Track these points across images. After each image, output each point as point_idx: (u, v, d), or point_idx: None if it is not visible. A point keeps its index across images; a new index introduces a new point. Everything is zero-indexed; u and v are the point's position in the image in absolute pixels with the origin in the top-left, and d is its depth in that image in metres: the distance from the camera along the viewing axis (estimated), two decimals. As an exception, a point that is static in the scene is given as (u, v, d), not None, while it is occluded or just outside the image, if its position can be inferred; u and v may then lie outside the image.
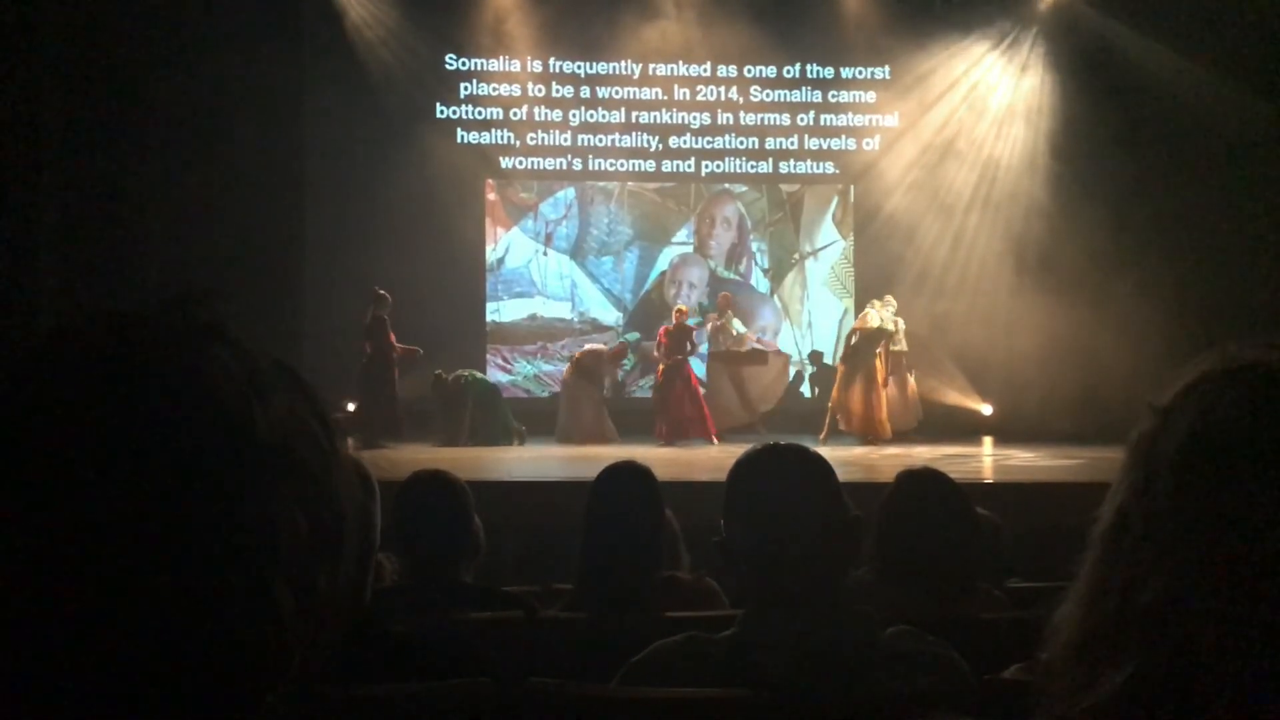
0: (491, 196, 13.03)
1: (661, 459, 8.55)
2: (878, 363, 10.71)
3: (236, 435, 0.60)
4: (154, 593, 0.57)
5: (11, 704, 0.56)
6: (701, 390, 10.97)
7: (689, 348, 10.85)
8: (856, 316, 11.89)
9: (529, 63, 12.83)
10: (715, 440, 10.63)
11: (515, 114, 12.88)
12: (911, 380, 11.34)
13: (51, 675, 0.57)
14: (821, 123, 13.12)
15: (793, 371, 12.59)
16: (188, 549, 0.58)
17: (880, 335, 10.78)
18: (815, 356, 12.89)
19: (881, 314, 11.05)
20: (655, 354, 11.06)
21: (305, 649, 0.63)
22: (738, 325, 11.64)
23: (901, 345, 11.29)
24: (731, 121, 13.06)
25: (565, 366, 11.57)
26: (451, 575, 2.68)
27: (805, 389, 12.99)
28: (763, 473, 1.79)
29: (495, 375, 12.25)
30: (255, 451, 0.60)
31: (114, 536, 0.57)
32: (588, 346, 11.37)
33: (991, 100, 12.80)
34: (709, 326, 11.64)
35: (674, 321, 10.95)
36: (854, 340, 10.85)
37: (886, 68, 12.91)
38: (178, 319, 0.63)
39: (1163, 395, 0.73)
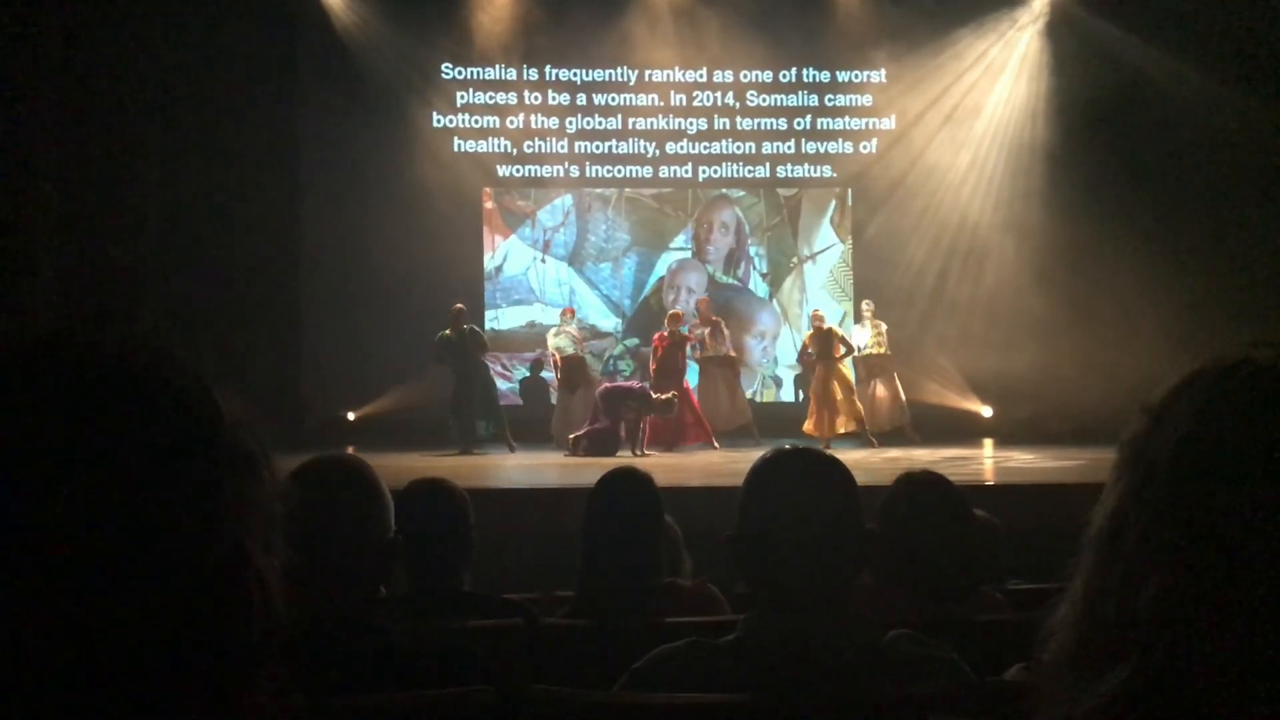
0: (489, 205, 13.04)
1: (661, 465, 8.54)
2: (830, 369, 10.75)
3: (205, 424, 0.65)
4: (145, 571, 0.61)
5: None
6: (695, 397, 10.98)
7: (681, 363, 10.80)
8: (856, 320, 11.91)
9: (525, 71, 12.85)
10: (715, 445, 10.63)
11: (512, 122, 12.90)
12: (896, 381, 11.38)
13: (39, 663, 0.59)
14: (818, 126, 13.14)
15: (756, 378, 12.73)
16: (171, 531, 0.61)
17: (831, 338, 10.83)
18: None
19: (873, 322, 11.25)
20: (651, 363, 10.96)
21: (273, 636, 0.66)
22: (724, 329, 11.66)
23: (884, 349, 11.34)
24: (728, 126, 13.07)
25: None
26: (452, 583, 2.68)
27: (789, 393, 12.98)
28: (786, 474, 1.79)
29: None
30: (223, 437, 0.65)
31: (104, 524, 0.60)
32: (573, 351, 11.34)
33: (987, 102, 12.82)
34: (696, 333, 11.50)
35: (667, 328, 10.90)
36: (812, 346, 10.91)
37: (882, 71, 12.93)
38: (119, 332, 0.67)
39: (1153, 396, 0.73)
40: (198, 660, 0.62)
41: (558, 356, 11.23)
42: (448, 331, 10.64)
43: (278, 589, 0.67)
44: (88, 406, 0.62)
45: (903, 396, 11.36)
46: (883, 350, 11.36)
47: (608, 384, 10.69)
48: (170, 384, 0.65)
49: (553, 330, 11.50)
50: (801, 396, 12.28)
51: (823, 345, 10.81)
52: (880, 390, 11.26)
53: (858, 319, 11.70)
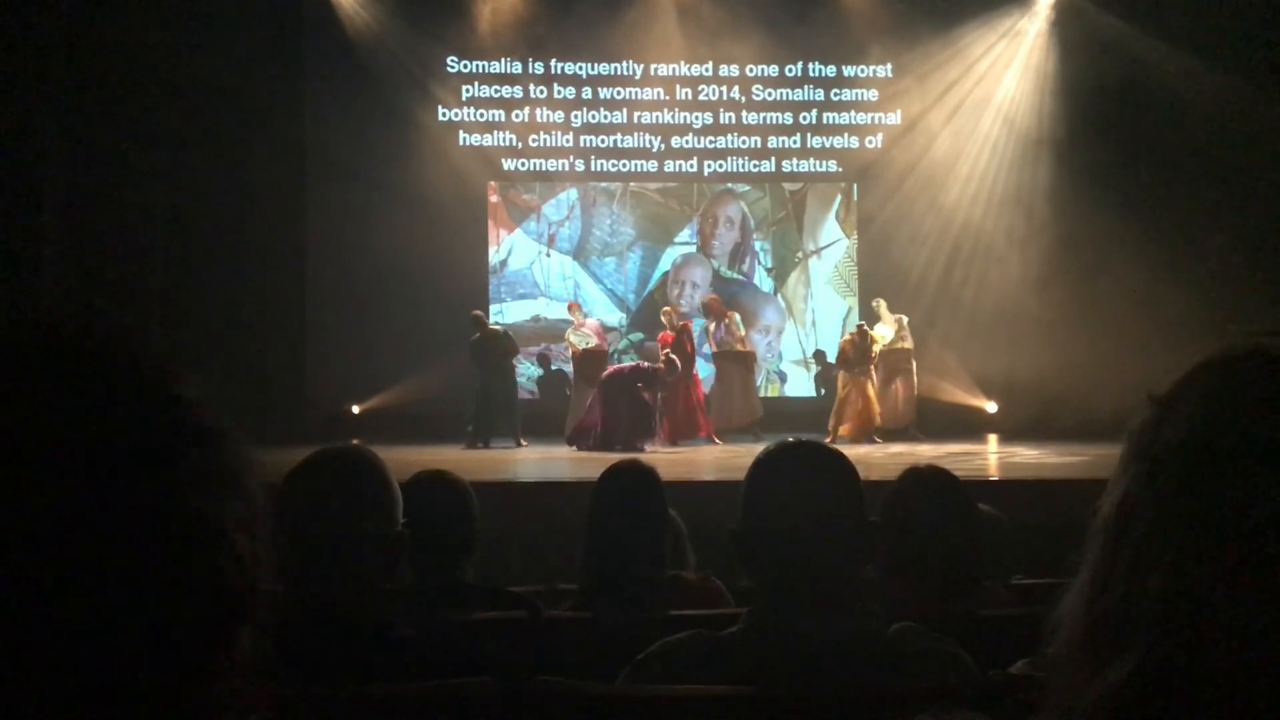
0: (494, 199, 13.04)
1: (664, 459, 8.54)
2: (871, 367, 10.76)
3: (160, 400, 0.68)
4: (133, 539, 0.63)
5: None
6: (704, 391, 10.97)
7: (689, 351, 10.82)
8: (860, 317, 11.89)
9: (530, 64, 12.84)
10: (716, 440, 10.62)
11: (517, 116, 12.89)
12: (914, 378, 11.35)
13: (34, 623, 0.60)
14: (824, 121, 13.12)
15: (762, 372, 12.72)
16: (126, 502, 0.64)
17: (869, 344, 10.81)
18: (819, 355, 12.87)
19: (883, 317, 11.22)
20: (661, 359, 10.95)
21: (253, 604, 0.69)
22: (738, 322, 11.65)
23: (907, 342, 11.32)
24: (734, 121, 13.06)
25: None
26: (456, 575, 2.68)
27: (810, 388, 12.98)
28: (788, 466, 1.79)
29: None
30: (180, 413, 0.68)
31: (55, 493, 0.62)
32: (587, 347, 11.29)
33: (993, 96, 12.80)
34: (713, 327, 11.53)
35: (666, 321, 10.93)
36: (850, 354, 10.86)
37: (889, 65, 12.91)
38: (75, 314, 0.70)
39: (1161, 385, 0.72)
40: (161, 631, 0.63)
41: (576, 349, 11.23)
42: (477, 335, 10.74)
43: (253, 565, 0.68)
44: (35, 381, 0.64)
45: (915, 394, 11.35)
46: (906, 344, 11.33)
47: (608, 371, 10.61)
48: (122, 361, 0.67)
49: (570, 329, 11.46)
50: (822, 392, 12.24)
51: (861, 351, 10.78)
52: (899, 387, 11.23)
53: (875, 320, 11.49)
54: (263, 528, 0.71)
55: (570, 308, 11.70)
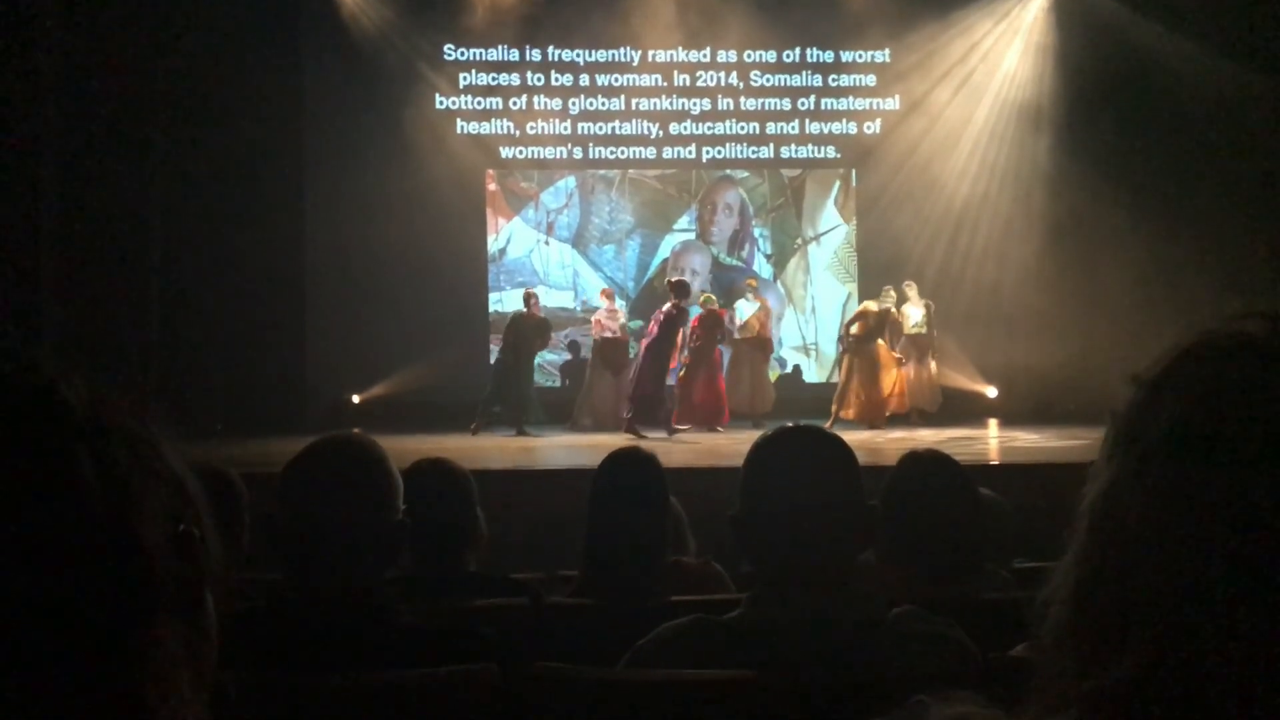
0: (492, 187, 13.02)
1: (669, 445, 8.55)
2: (880, 349, 10.71)
3: (46, 403, 0.68)
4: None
5: None
6: (723, 378, 10.92)
7: (720, 335, 10.80)
8: (860, 304, 11.88)
9: (528, 51, 12.80)
10: (719, 429, 10.59)
11: (515, 103, 12.86)
12: (933, 363, 11.35)
13: None
14: (822, 107, 13.09)
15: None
16: (24, 504, 0.65)
17: (884, 321, 10.77)
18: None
19: (911, 299, 11.22)
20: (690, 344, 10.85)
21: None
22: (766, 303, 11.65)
23: (924, 328, 11.32)
24: (732, 107, 13.02)
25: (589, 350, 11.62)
26: (457, 563, 2.69)
27: (812, 374, 12.97)
28: (786, 451, 1.80)
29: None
30: (73, 414, 0.68)
31: None
32: (607, 335, 11.24)
33: (992, 80, 12.76)
34: (748, 312, 11.53)
35: (703, 309, 10.85)
36: (854, 330, 10.80)
37: (887, 50, 12.87)
38: None
39: (1146, 369, 0.71)
40: (60, 622, 0.64)
41: (600, 332, 11.23)
42: (521, 313, 10.82)
43: (163, 555, 0.68)
44: None
45: (937, 381, 11.36)
46: (924, 330, 11.35)
47: (644, 342, 10.27)
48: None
49: (603, 313, 11.41)
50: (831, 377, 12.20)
51: (880, 322, 10.71)
52: (920, 371, 11.24)
53: (902, 300, 11.32)
54: (195, 517, 0.71)
55: (604, 294, 11.66)
